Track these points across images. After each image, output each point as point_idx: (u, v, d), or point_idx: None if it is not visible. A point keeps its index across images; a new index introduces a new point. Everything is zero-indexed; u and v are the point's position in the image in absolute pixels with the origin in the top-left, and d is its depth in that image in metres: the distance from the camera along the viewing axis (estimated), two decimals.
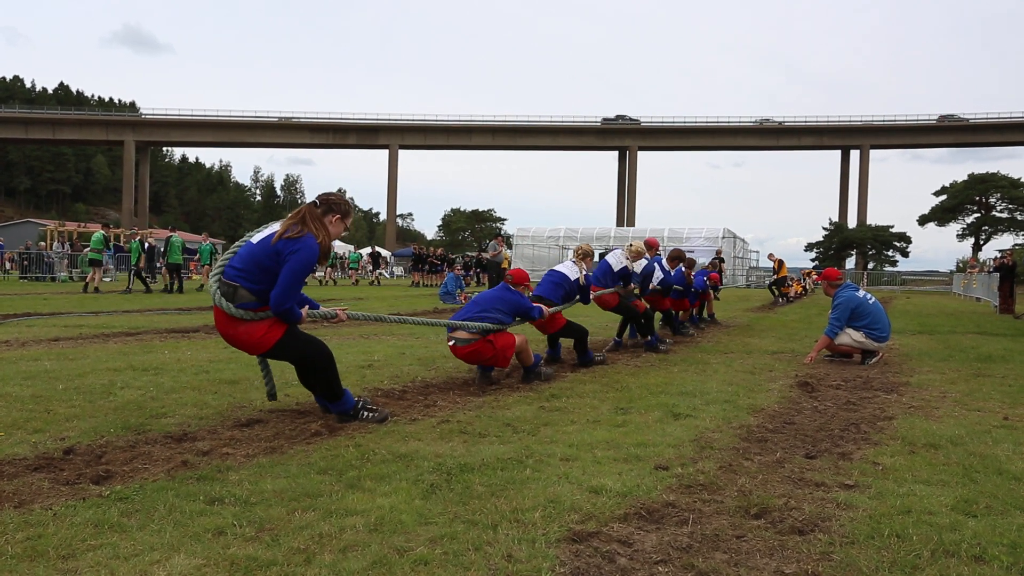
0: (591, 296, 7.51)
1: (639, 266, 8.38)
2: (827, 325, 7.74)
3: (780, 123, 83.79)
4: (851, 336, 7.67)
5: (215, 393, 5.03)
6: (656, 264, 9.04)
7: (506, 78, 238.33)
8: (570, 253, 46.63)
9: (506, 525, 2.61)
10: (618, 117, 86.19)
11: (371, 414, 4.26)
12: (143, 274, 20.18)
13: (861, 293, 7.89)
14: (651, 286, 9.03)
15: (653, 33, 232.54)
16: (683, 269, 10.28)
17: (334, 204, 4.18)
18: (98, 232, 20.42)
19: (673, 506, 2.88)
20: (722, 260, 21.33)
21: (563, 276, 6.99)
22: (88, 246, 21.60)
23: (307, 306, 4.16)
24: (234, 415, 4.39)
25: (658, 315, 9.81)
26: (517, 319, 5.97)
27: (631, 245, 8.23)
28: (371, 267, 34.69)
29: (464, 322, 5.52)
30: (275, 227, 4.06)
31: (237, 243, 4.18)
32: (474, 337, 5.49)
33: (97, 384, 5.22)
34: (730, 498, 2.99)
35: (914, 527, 2.66)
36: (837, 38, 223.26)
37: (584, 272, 7.10)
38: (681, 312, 10.63)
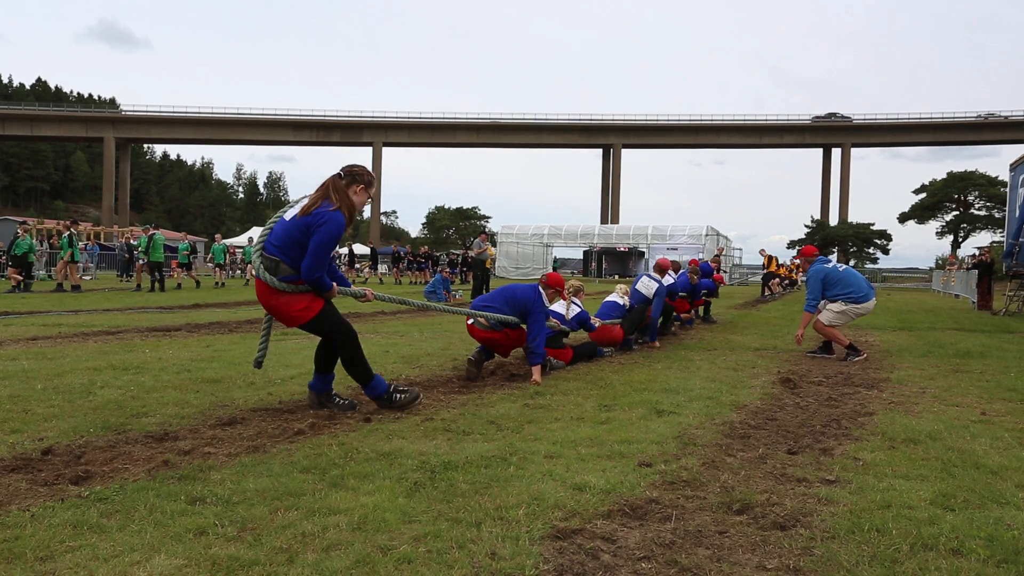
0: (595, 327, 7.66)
1: (647, 290, 8.85)
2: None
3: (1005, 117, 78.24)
4: (832, 311, 7.76)
5: (197, 392, 4.99)
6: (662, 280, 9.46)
7: (491, 76, 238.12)
8: (553, 251, 46.47)
9: (490, 523, 2.61)
10: (830, 115, 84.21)
11: (402, 396, 4.59)
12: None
13: (830, 264, 8.04)
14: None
15: (639, 33, 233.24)
16: (687, 274, 10.88)
17: (357, 175, 4.39)
18: (64, 238, 19.69)
19: (656, 502, 2.89)
20: (719, 259, 21.79)
21: (559, 317, 7.10)
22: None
23: (335, 284, 4.42)
24: (216, 414, 4.35)
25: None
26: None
27: (621, 287, 8.68)
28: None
29: (484, 311, 5.87)
30: (305, 203, 4.30)
31: (272, 219, 4.44)
32: (494, 325, 5.89)
33: (76, 383, 5.16)
34: (713, 494, 3.01)
35: (894, 521, 2.69)
36: (820, 40, 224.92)
37: (576, 311, 7.27)
38: (683, 314, 11.04)
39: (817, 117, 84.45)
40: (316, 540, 2.43)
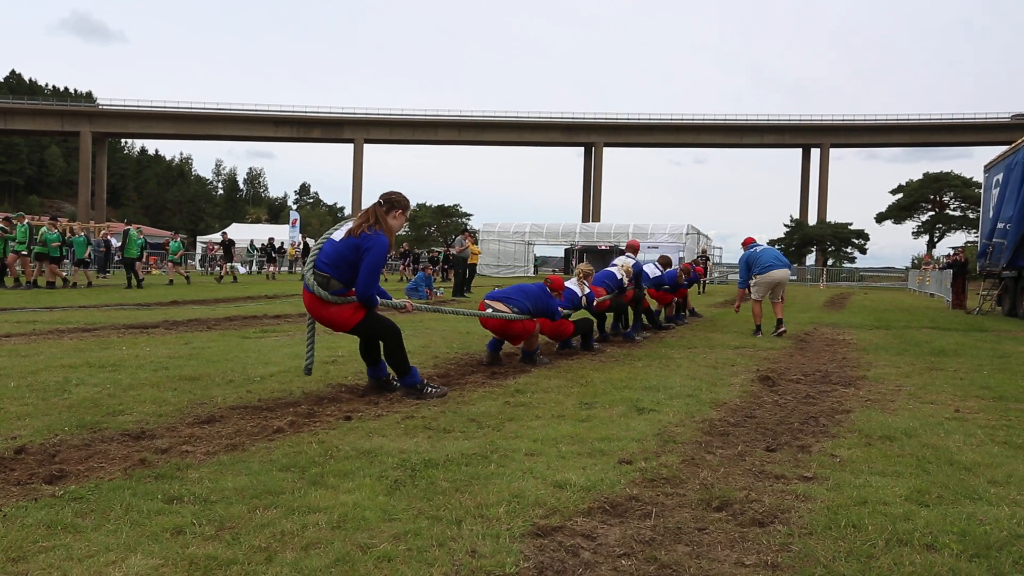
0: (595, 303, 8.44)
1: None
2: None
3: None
4: (752, 288, 9.67)
5: (174, 390, 4.94)
6: (643, 265, 10.14)
7: (473, 73, 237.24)
8: (534, 249, 46.55)
9: (470, 520, 2.61)
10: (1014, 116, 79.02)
11: (434, 390, 4.99)
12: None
13: (754, 249, 9.68)
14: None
15: (621, 32, 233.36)
16: (677, 271, 11.53)
17: (395, 202, 5.01)
18: (43, 230, 19.58)
19: (636, 500, 2.90)
20: (707, 259, 21.97)
21: (573, 293, 8.01)
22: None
23: (377, 296, 4.95)
24: (194, 412, 4.31)
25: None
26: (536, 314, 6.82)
27: (622, 265, 9.24)
28: (221, 258, 27.42)
29: (503, 302, 6.54)
30: (350, 225, 4.84)
31: (320, 240, 4.96)
32: (508, 313, 6.45)
33: (51, 381, 5.08)
34: (692, 491, 3.03)
35: (869, 517, 2.72)
36: (800, 41, 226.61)
37: (587, 291, 8.13)
38: (665, 307, 11.54)
39: (1017, 115, 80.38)
40: (295, 539, 2.41)
